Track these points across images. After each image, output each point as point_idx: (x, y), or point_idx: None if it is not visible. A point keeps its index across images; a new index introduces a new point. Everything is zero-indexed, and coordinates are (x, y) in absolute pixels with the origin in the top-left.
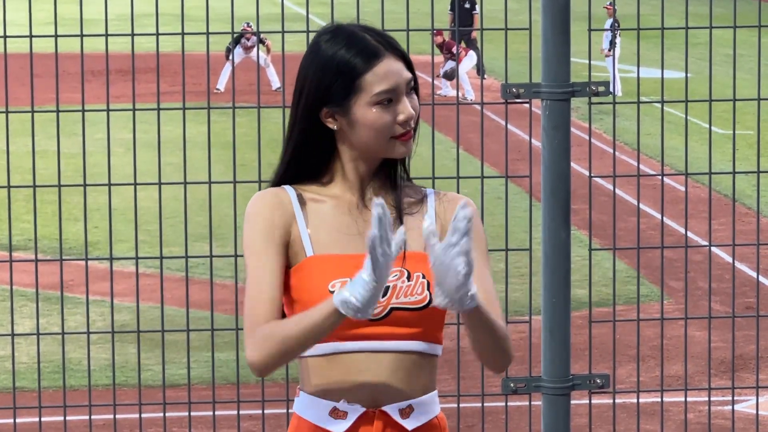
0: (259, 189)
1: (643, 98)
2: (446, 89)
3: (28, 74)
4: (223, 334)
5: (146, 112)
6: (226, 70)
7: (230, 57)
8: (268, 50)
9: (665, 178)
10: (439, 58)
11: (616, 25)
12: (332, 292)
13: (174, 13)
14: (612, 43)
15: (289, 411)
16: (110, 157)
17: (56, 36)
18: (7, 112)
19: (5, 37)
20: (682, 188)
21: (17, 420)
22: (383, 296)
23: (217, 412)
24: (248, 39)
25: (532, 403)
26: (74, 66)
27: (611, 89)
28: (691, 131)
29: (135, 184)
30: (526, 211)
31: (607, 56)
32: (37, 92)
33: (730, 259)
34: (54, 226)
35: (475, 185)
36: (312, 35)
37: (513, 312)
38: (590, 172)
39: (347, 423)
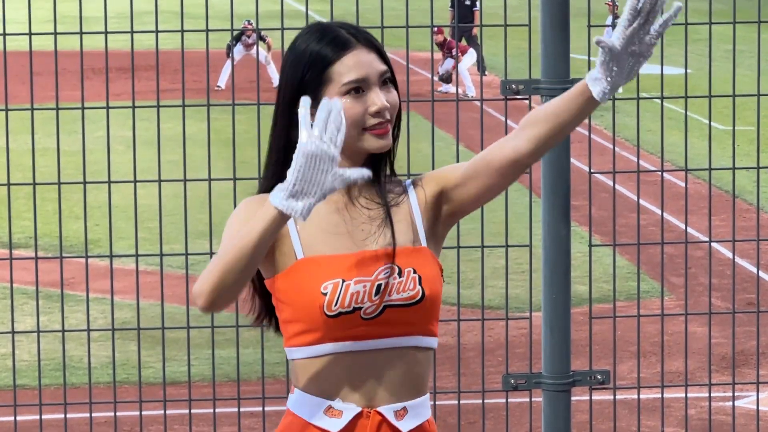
0: (259, 186)
1: (643, 94)
2: (447, 86)
3: (28, 72)
4: (223, 332)
5: (146, 110)
6: (227, 68)
7: (230, 54)
8: (269, 47)
9: (665, 174)
10: (438, 55)
11: (617, 21)
12: (325, 294)
13: (174, 10)
14: None
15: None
16: (110, 155)
17: (56, 33)
18: (6, 110)
19: (5, 34)
20: (683, 184)
21: (18, 418)
22: (376, 294)
23: (217, 410)
24: (249, 36)
25: (533, 399)
26: (74, 64)
27: None
28: (691, 127)
29: (135, 181)
30: (527, 208)
31: None
32: (37, 90)
33: (730, 255)
34: (54, 223)
35: None
36: None
37: (513, 308)
38: (590, 168)
39: (342, 422)
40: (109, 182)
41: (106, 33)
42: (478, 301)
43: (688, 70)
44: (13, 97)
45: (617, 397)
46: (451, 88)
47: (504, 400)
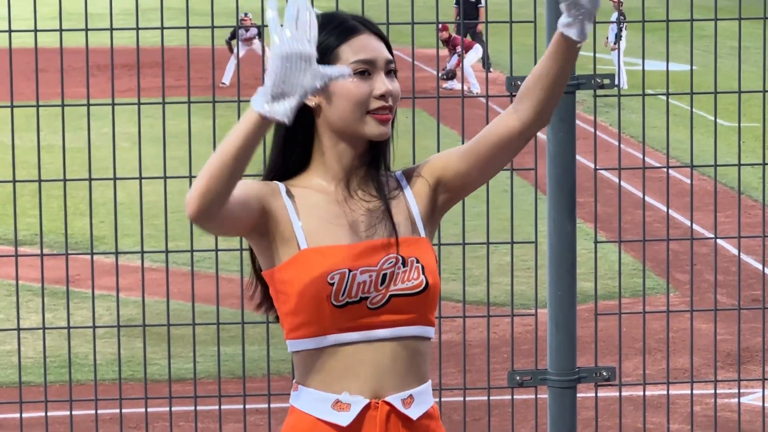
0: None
1: (648, 91)
2: (451, 82)
3: (32, 69)
4: (228, 328)
5: (151, 106)
6: (231, 64)
7: (235, 51)
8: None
9: (671, 171)
10: (444, 52)
11: (622, 18)
12: (332, 284)
13: (179, 7)
14: (618, 36)
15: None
16: (116, 152)
17: (61, 30)
18: (12, 107)
19: (10, 31)
20: (688, 181)
21: (24, 414)
22: (382, 284)
23: (223, 406)
24: (246, 30)
25: (539, 396)
26: (78, 61)
27: (617, 82)
28: (696, 124)
29: (140, 178)
30: (532, 204)
31: (612, 49)
32: (42, 87)
33: (735, 252)
34: (59, 220)
35: None
36: None
37: (519, 305)
38: (595, 165)
39: (351, 415)
40: (115, 179)
41: (111, 30)
42: (483, 298)
43: (694, 67)
44: (18, 94)
45: (623, 393)
46: (456, 84)
47: (509, 397)
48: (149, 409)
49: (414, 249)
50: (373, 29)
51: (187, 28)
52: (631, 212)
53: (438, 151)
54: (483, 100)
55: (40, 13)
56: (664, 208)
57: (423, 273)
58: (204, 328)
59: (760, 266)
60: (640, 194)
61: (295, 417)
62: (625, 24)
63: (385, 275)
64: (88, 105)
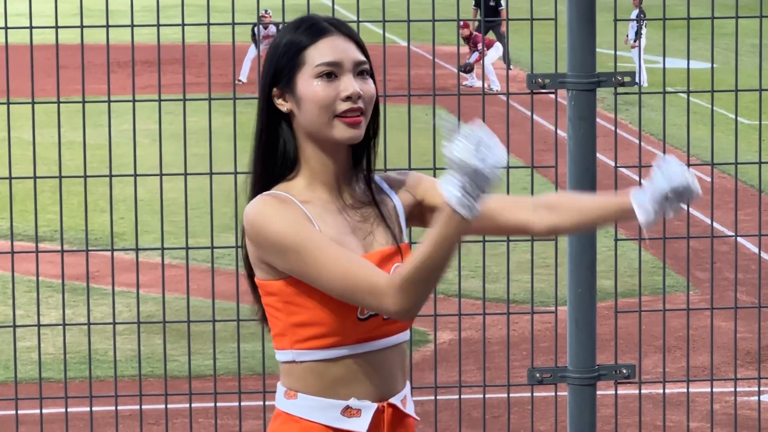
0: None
1: (668, 89)
2: (472, 80)
3: (53, 65)
4: (248, 325)
5: (171, 103)
6: (247, 61)
7: (252, 47)
8: None
9: (691, 169)
10: (464, 49)
11: (642, 15)
12: None
13: (199, 3)
14: (638, 34)
15: None
16: (136, 148)
17: (82, 27)
18: (33, 103)
19: (31, 27)
20: (708, 178)
21: (44, 411)
22: None
23: (243, 403)
24: (266, 27)
25: (558, 393)
26: (98, 57)
27: (637, 80)
28: (716, 121)
29: (161, 174)
30: None
31: (633, 47)
32: (61, 83)
33: (756, 250)
34: (78, 217)
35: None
36: None
37: (538, 302)
38: (615, 162)
39: (365, 420)
40: (135, 175)
41: (132, 26)
42: (502, 296)
43: (714, 65)
44: (38, 90)
45: (642, 391)
46: (476, 82)
47: (528, 394)
48: (169, 406)
49: (408, 255)
50: (343, 30)
51: (208, 24)
52: None
53: None
54: (502, 97)
55: (60, 9)
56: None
57: None
58: (224, 324)
59: None
60: None
61: (299, 426)
62: (645, 21)
63: None
64: (109, 101)
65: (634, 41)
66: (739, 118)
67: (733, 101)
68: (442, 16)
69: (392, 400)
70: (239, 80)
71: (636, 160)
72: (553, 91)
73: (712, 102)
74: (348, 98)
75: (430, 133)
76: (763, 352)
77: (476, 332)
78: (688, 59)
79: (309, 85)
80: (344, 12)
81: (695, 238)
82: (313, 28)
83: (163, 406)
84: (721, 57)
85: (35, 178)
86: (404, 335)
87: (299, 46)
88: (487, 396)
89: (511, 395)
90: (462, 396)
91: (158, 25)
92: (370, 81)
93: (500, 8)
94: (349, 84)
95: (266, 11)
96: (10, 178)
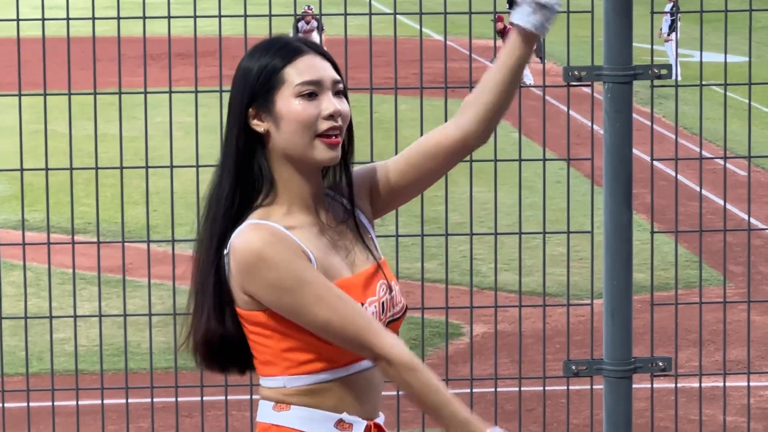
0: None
1: (704, 82)
2: None
3: (86, 58)
4: None
5: (206, 96)
6: None
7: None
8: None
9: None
10: (499, 43)
11: (676, 8)
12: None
13: None
14: (672, 28)
15: None
16: (172, 140)
17: (119, 18)
18: (69, 94)
19: (68, 19)
20: (743, 173)
21: (80, 402)
22: (383, 312)
23: None
24: (308, 22)
25: (594, 387)
26: (132, 50)
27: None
28: (753, 115)
29: (197, 166)
30: (584, 195)
31: (666, 41)
32: (97, 76)
33: None
34: (112, 209)
35: (535, 168)
36: (374, 18)
37: (573, 296)
38: (652, 156)
39: None
40: (171, 167)
41: (169, 17)
42: (536, 288)
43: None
44: (72, 83)
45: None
46: None
47: (563, 387)
48: (204, 398)
49: (388, 271)
50: (316, 49)
51: (245, 16)
52: (683, 203)
53: (495, 142)
54: (536, 90)
55: (96, 2)
56: (717, 200)
57: (400, 295)
58: None
59: None
60: (694, 186)
61: None
62: (679, 15)
63: (383, 303)
64: (145, 93)
65: (668, 34)
66: None
67: (767, 95)
68: (476, 10)
69: (377, 421)
70: None
71: (670, 154)
72: (590, 83)
73: (750, 95)
74: (330, 117)
75: None
76: None
77: (509, 325)
78: (725, 52)
79: (289, 104)
80: (379, 6)
81: (732, 231)
82: (286, 47)
83: (199, 398)
84: (756, 51)
85: (71, 169)
86: None
87: (276, 66)
88: (522, 389)
89: (546, 388)
90: (498, 389)
91: (195, 17)
92: (345, 101)
93: None
94: (329, 103)
95: (308, 6)
96: (47, 169)
